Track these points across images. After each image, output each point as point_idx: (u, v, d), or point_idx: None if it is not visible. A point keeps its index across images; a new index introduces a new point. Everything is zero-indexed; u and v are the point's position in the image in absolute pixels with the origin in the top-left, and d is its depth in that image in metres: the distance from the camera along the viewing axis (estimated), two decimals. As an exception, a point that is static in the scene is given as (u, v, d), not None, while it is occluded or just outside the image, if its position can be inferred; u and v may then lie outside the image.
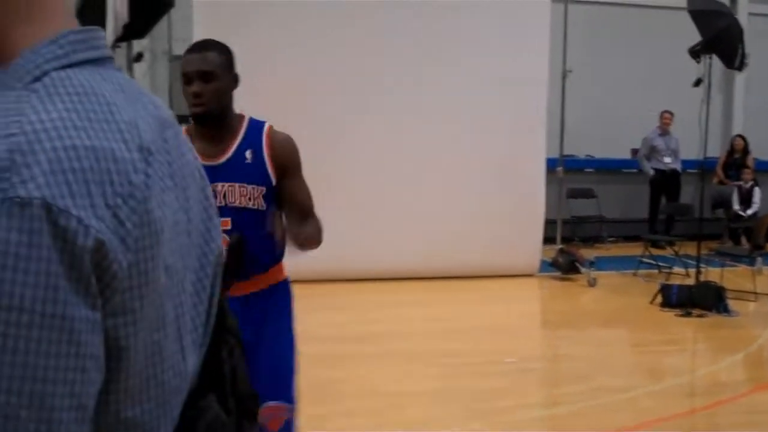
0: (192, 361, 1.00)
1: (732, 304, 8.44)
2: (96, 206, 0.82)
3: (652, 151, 12.78)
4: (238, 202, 2.91)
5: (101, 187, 0.83)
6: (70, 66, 0.90)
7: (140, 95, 0.98)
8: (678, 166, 12.60)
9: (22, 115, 0.83)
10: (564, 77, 10.38)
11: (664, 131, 12.72)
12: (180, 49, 9.21)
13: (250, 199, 2.98)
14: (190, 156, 1.05)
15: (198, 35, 8.47)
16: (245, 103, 7.86)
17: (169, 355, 0.94)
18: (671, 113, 12.52)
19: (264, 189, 3.08)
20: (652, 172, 12.72)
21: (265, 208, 3.02)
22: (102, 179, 0.83)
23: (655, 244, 11.19)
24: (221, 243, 1.08)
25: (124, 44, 7.44)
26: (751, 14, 15.41)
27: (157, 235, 0.88)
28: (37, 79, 0.88)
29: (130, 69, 8.01)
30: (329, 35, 9.08)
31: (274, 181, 3.14)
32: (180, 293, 0.96)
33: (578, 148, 13.53)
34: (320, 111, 9.07)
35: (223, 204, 2.83)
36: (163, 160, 0.94)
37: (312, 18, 9.04)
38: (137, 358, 0.88)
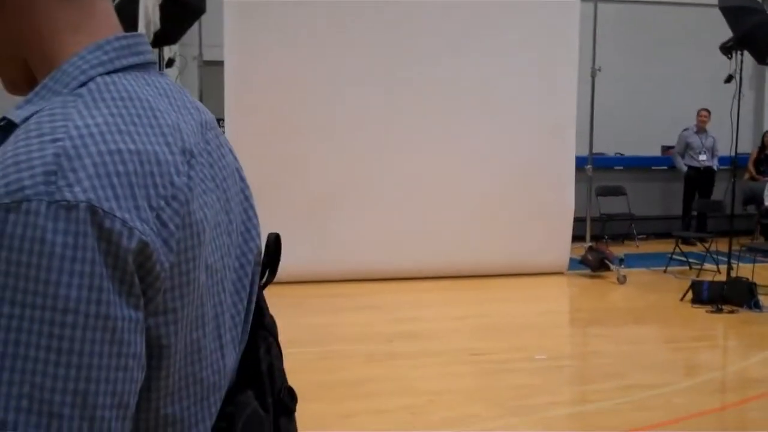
0: (231, 359, 1.02)
1: (763, 300, 8.40)
2: (140, 208, 0.84)
3: (687, 149, 12.69)
4: None
5: (145, 190, 0.85)
6: (115, 71, 0.93)
7: (184, 99, 1.00)
8: (714, 164, 12.51)
9: (69, 120, 0.85)
10: (593, 75, 10.35)
11: (700, 129, 12.63)
12: (211, 55, 9.34)
13: None
14: (231, 158, 1.07)
15: (229, 41, 8.60)
16: (280, 105, 8.01)
17: (208, 353, 0.96)
18: (708, 111, 12.42)
19: None
20: (685, 169, 12.64)
21: None
22: (146, 182, 0.86)
23: (686, 241, 11.14)
24: (260, 242, 1.11)
25: (155, 50, 7.52)
26: (782, 9, 15.28)
27: (199, 236, 0.91)
28: (83, 84, 0.91)
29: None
30: (352, 33, 9.13)
31: None
32: (220, 292, 0.98)
33: (608, 146, 13.50)
34: (351, 110, 9.14)
35: None
36: (205, 163, 0.96)
37: (338, 17, 9.10)
38: (177, 356, 0.90)
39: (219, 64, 9.01)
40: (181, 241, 0.88)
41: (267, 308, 1.18)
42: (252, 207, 1.12)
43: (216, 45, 9.06)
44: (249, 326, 1.09)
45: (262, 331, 1.12)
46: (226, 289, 1.00)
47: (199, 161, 0.95)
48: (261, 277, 1.14)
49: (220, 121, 9.59)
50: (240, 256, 1.06)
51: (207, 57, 9.33)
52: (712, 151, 12.53)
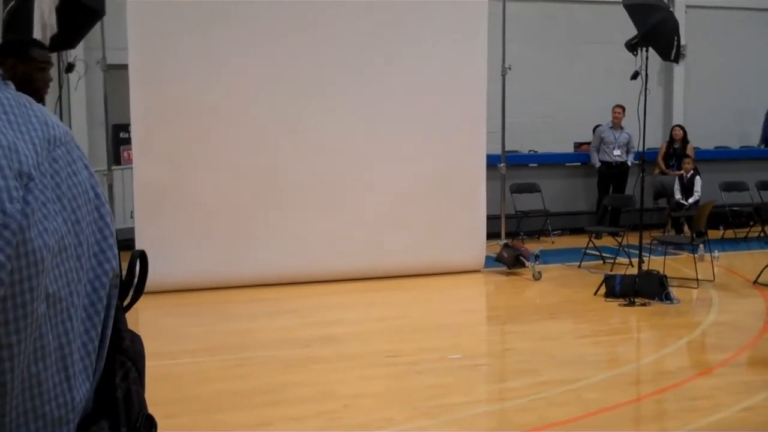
0: (83, 389, 0.96)
1: (675, 291, 8.56)
2: None
3: (602, 144, 12.91)
4: None
5: None
6: None
7: (28, 114, 0.94)
8: (628, 160, 12.72)
9: None
10: (504, 74, 10.43)
11: (615, 125, 12.84)
12: (115, 59, 9.13)
13: None
14: (84, 174, 1.01)
15: (133, 43, 8.41)
16: (189, 107, 7.87)
17: (50, 387, 0.90)
18: (623, 107, 12.65)
19: None
20: (598, 164, 12.86)
21: None
22: None
23: (599, 236, 11.31)
24: (116, 264, 1.04)
25: (53, 55, 7.30)
26: (688, 6, 15.67)
27: (37, 265, 0.85)
28: None
29: (61, 79, 7.89)
30: (264, 32, 9.04)
31: None
32: (65, 321, 0.92)
33: (521, 144, 13.65)
34: (263, 115, 9.04)
35: None
36: (48, 184, 0.90)
37: (249, 16, 8.99)
38: (14, 392, 0.85)
39: (124, 67, 8.81)
40: (15, 272, 0.82)
41: (126, 330, 1.10)
42: (108, 226, 1.04)
43: (120, 48, 8.85)
44: (105, 352, 1.02)
45: (119, 356, 1.06)
46: (75, 316, 0.94)
47: (40, 184, 0.89)
48: (123, 298, 1.07)
49: (126, 126, 9.39)
50: (93, 279, 0.99)
51: (111, 60, 9.12)
52: (627, 147, 12.75)
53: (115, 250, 1.04)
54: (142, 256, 1.11)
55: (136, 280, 1.11)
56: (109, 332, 1.02)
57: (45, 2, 6.41)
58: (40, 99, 4.40)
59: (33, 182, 0.87)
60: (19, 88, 2.42)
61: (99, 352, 1.00)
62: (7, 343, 0.82)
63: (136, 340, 1.12)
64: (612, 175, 12.82)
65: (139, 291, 1.11)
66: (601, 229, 11.48)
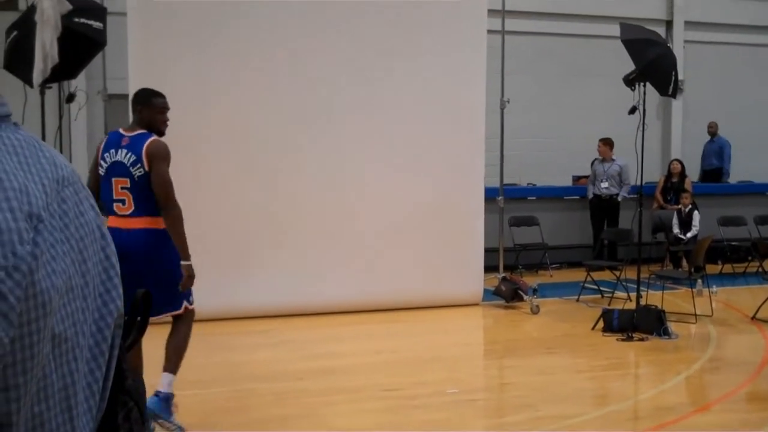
0: (87, 430, 0.96)
1: (673, 326, 8.53)
2: None
3: (594, 177, 12.98)
4: None
5: None
6: None
7: (38, 155, 0.94)
8: (621, 193, 12.74)
9: None
10: (502, 107, 10.46)
11: (605, 158, 12.89)
12: (115, 88, 9.16)
13: None
14: (91, 214, 1.00)
15: (134, 74, 8.45)
16: (187, 137, 7.89)
17: (53, 427, 0.90)
18: (605, 141, 12.73)
19: None
20: (590, 196, 12.91)
21: None
22: None
23: (598, 269, 11.30)
24: (120, 304, 1.05)
25: (55, 85, 7.34)
26: (687, 42, 15.77)
27: (44, 307, 0.85)
28: None
29: (61, 109, 7.91)
30: (260, 66, 9.08)
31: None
32: (71, 361, 0.92)
33: (520, 177, 13.67)
34: (260, 145, 9.06)
35: None
36: (57, 225, 0.91)
37: (247, 49, 9.05)
38: None
39: (124, 97, 8.82)
40: (23, 313, 0.83)
41: (129, 370, 1.11)
42: (113, 266, 1.05)
43: (121, 78, 8.89)
44: (108, 392, 1.02)
45: (122, 395, 1.06)
46: (80, 357, 0.94)
47: (49, 225, 0.89)
48: (126, 338, 1.08)
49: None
50: (98, 319, 0.99)
51: (112, 90, 9.15)
52: (618, 179, 12.77)
53: (120, 290, 1.04)
54: (146, 296, 1.13)
55: (139, 320, 1.12)
56: (112, 372, 1.03)
57: (47, 33, 6.44)
58: (160, 134, 5.43)
59: (42, 224, 0.88)
60: (146, 128, 4.67)
61: (102, 393, 1.00)
62: (14, 384, 0.83)
63: (138, 379, 1.13)
64: (602, 208, 12.84)
65: (141, 330, 1.12)
66: (599, 263, 11.48)
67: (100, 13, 7.34)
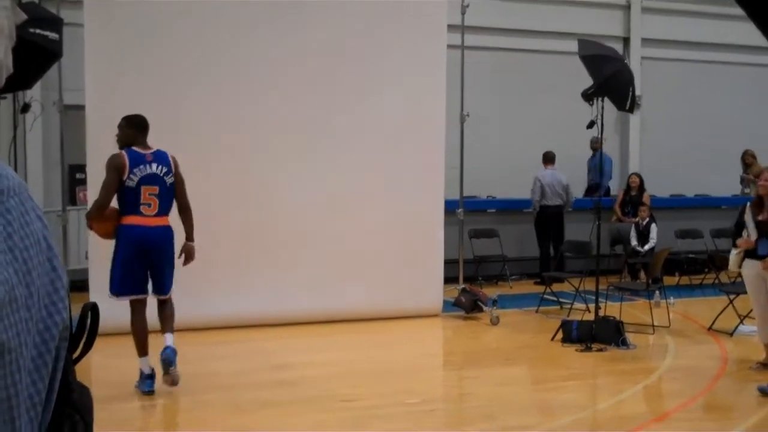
0: None
1: (631, 337, 8.60)
2: None
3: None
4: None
5: None
6: None
7: None
8: (561, 202, 12.87)
9: None
10: (462, 121, 10.51)
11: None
12: (71, 99, 9.07)
13: None
14: (37, 224, 1.00)
15: (90, 85, 8.38)
16: (157, 142, 7.85)
17: None
18: (545, 153, 13.03)
19: None
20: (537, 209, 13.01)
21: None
22: None
23: (557, 281, 11.38)
24: (66, 316, 1.03)
25: (9, 95, 7.26)
26: (644, 58, 15.97)
27: None
28: None
29: (16, 120, 7.82)
30: (220, 74, 9.07)
31: None
32: (14, 372, 0.91)
33: (480, 190, 13.72)
34: (220, 157, 9.02)
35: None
36: (0, 234, 0.91)
37: (205, 58, 9.03)
38: None
39: (80, 108, 8.76)
40: None
41: (76, 383, 1.09)
42: (59, 278, 1.03)
43: (77, 89, 8.81)
44: (52, 405, 1.01)
45: (67, 408, 1.05)
46: (23, 367, 0.93)
47: None
48: (73, 350, 1.06)
49: (82, 167, 9.31)
50: (43, 331, 0.98)
51: (68, 101, 9.05)
52: (558, 191, 12.88)
53: (66, 302, 1.03)
54: (94, 308, 1.11)
55: (86, 332, 1.10)
56: (57, 385, 1.02)
57: (1, 43, 6.37)
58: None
59: None
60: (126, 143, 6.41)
61: (46, 405, 0.99)
62: None
63: (85, 393, 1.11)
64: (549, 219, 12.94)
65: (89, 344, 1.10)
66: (558, 275, 11.57)
67: (57, 24, 7.29)
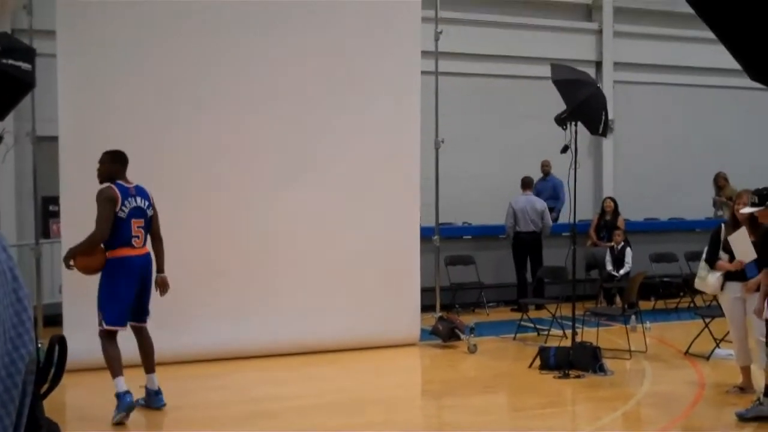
0: None
1: (608, 363, 8.61)
2: None
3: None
4: None
5: None
6: None
7: None
8: (535, 228, 12.89)
9: None
10: (437, 147, 10.55)
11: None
12: (45, 131, 9.03)
13: None
14: (2, 257, 0.99)
15: (63, 116, 8.34)
16: (133, 173, 7.82)
17: None
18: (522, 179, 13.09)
19: None
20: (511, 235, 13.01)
21: None
22: None
23: (536, 307, 11.40)
24: (33, 349, 1.01)
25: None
26: (616, 82, 16.12)
27: None
28: None
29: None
30: (197, 104, 9.06)
31: None
32: None
33: (455, 216, 13.76)
34: (194, 185, 9.00)
35: None
36: None
37: (185, 86, 9.03)
38: None
39: (54, 139, 8.71)
40: None
41: (44, 418, 1.07)
42: (25, 309, 1.01)
43: (50, 120, 8.77)
44: None
45: None
46: None
47: None
48: (41, 385, 1.04)
49: (55, 199, 9.25)
50: (8, 364, 0.96)
51: (41, 132, 9.01)
52: (540, 216, 12.90)
53: (32, 334, 1.01)
54: (61, 341, 1.08)
55: (54, 366, 1.08)
56: (24, 420, 0.99)
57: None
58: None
59: None
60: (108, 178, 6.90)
61: None
62: None
63: (53, 428, 1.08)
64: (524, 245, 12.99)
65: (57, 378, 1.08)
66: (534, 301, 11.60)
67: (29, 55, 7.23)
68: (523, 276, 12.83)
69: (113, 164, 7.07)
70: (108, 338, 6.94)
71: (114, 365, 6.89)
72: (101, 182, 7.04)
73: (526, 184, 13.17)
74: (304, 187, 9.45)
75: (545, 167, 14.24)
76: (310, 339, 9.44)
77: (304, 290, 9.42)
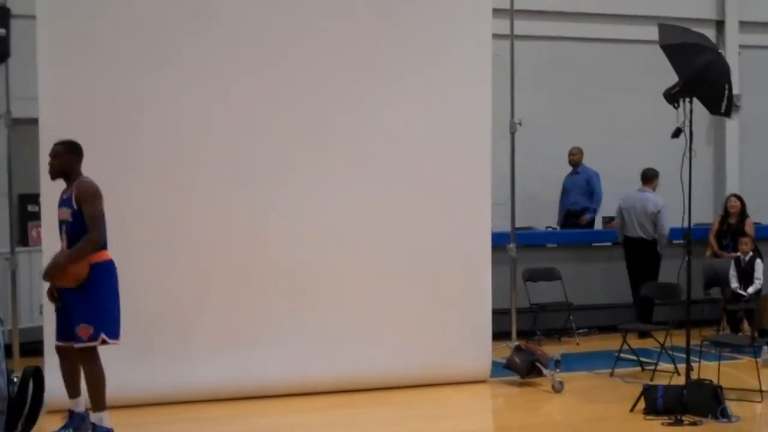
0: None
1: (733, 406, 8.53)
2: None
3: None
4: (63, 217, 7.31)
5: None
6: None
7: None
8: (644, 235, 12.88)
9: None
10: (513, 130, 10.52)
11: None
12: (21, 111, 9.16)
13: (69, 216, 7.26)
14: None
15: (44, 93, 8.44)
16: (114, 172, 7.93)
17: None
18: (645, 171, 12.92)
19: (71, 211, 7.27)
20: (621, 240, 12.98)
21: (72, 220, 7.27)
22: None
23: (645, 335, 11.30)
24: (3, 383, 1.04)
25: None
26: (742, 47, 15.94)
27: None
28: None
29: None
30: (212, 96, 9.14)
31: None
32: None
33: (536, 219, 13.71)
34: (203, 182, 9.07)
35: (60, 219, 7.36)
36: None
37: (196, 64, 9.09)
38: None
39: (33, 122, 8.84)
40: None
41: None
42: None
43: (29, 98, 8.89)
44: None
45: None
46: None
47: None
48: (13, 427, 1.07)
49: (35, 197, 9.38)
50: None
51: (17, 114, 9.16)
52: (651, 220, 12.88)
53: (3, 366, 1.04)
54: (36, 373, 1.11)
55: (27, 404, 1.11)
56: None
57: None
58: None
59: None
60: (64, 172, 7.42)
61: None
62: None
63: None
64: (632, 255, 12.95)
65: (32, 419, 1.11)
66: (639, 327, 11.49)
67: (2, 17, 7.38)
68: (636, 294, 12.69)
69: (75, 156, 7.50)
70: (97, 357, 7.12)
71: (103, 394, 7.10)
72: (53, 178, 7.50)
73: (647, 177, 13.08)
74: (338, 183, 9.46)
75: (574, 156, 14.12)
76: (353, 375, 9.46)
77: (346, 315, 9.42)
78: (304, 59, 9.37)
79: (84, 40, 8.84)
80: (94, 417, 6.98)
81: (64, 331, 7.09)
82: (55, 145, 7.46)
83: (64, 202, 7.39)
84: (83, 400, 7.27)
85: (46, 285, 7.44)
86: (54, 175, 7.46)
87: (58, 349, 7.04)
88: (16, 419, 1.24)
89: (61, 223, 7.38)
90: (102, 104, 8.79)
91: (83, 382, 7.10)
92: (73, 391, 7.11)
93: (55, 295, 7.32)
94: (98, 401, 7.01)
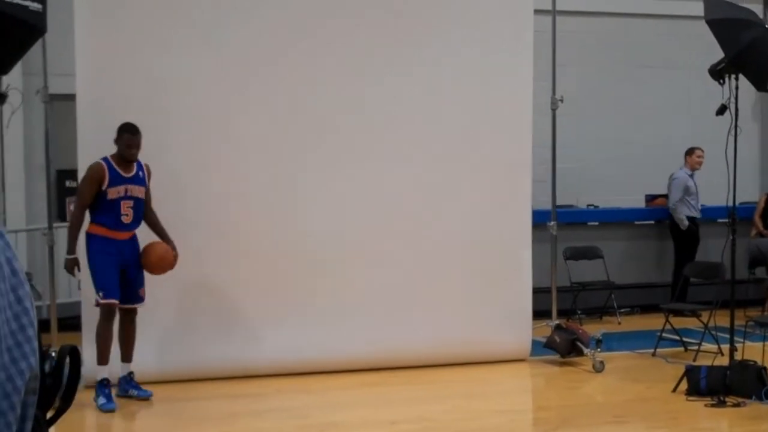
0: None
1: (777, 388, 8.45)
2: None
3: (687, 194, 12.89)
4: (134, 194, 8.17)
5: None
6: None
7: None
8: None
9: None
10: (554, 107, 10.45)
11: (694, 171, 12.92)
12: (59, 87, 9.19)
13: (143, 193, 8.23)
14: (1, 258, 0.97)
15: (82, 69, 8.46)
16: (151, 147, 8.01)
17: None
18: (701, 150, 12.77)
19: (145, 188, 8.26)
20: (686, 223, 12.82)
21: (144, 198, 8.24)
22: None
23: (680, 315, 11.22)
24: (35, 362, 0.99)
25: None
26: (790, 22, 15.73)
27: None
28: None
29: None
30: (245, 72, 9.14)
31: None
32: None
33: (577, 197, 13.63)
34: (237, 156, 9.09)
35: (126, 195, 8.12)
36: None
37: (222, 33, 9.10)
38: None
39: (70, 98, 8.86)
40: None
41: None
42: (27, 312, 1.00)
43: (66, 74, 8.92)
44: None
45: None
46: None
47: None
48: (47, 407, 1.03)
49: (73, 172, 9.42)
50: (4, 381, 0.96)
51: (54, 90, 9.18)
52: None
53: (35, 344, 0.99)
54: (73, 352, 1.07)
55: (64, 385, 1.07)
56: None
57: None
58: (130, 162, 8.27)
59: None
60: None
61: None
62: None
63: None
64: (696, 234, 12.85)
65: (68, 399, 1.07)
66: (683, 307, 11.39)
67: (39, -10, 7.35)
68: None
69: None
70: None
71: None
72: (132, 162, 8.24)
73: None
74: (378, 160, 9.46)
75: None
76: (388, 352, 9.47)
77: (380, 291, 9.44)
78: (341, 38, 9.36)
79: (121, 17, 8.87)
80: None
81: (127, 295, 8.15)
82: (137, 133, 8.13)
83: (133, 180, 8.14)
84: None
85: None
86: (134, 159, 8.23)
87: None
88: (50, 398, 1.22)
89: (127, 198, 8.10)
90: (139, 81, 8.80)
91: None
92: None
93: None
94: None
